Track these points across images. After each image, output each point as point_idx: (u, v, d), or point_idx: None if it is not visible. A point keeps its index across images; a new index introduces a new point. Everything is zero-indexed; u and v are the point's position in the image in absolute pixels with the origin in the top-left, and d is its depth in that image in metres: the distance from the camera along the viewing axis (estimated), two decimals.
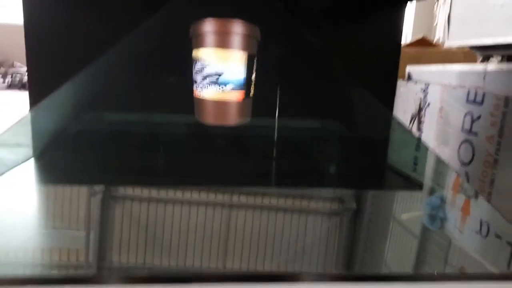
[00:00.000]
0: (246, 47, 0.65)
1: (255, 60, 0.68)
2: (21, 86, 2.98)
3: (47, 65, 0.76)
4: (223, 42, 0.64)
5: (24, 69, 3.01)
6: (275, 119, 0.80)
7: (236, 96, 0.67)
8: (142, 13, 0.68)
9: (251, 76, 0.67)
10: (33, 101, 0.75)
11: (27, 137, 0.72)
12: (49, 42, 0.76)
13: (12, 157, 0.68)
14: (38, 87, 0.75)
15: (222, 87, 0.65)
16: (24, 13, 0.74)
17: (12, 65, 3.39)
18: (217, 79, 0.65)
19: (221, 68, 0.65)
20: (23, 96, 0.76)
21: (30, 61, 0.77)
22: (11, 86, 3.05)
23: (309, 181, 0.70)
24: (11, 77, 3.17)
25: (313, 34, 0.70)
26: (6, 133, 0.65)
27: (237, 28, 0.64)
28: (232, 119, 0.69)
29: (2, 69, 3.26)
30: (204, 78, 0.65)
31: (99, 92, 0.75)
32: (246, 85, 0.66)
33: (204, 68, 0.65)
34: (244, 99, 0.67)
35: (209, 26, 0.64)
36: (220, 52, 0.65)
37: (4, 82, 3.08)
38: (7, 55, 3.44)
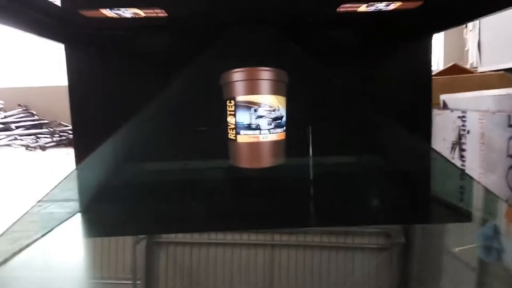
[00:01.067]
0: (276, 91, 0.68)
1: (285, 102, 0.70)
2: (68, 143, 3.15)
3: (89, 122, 0.81)
4: (252, 88, 0.67)
5: (69, 127, 3.20)
6: (310, 158, 0.79)
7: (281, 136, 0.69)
8: (174, 68, 0.72)
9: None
10: (78, 156, 0.80)
11: (74, 192, 0.75)
12: (90, 101, 0.82)
13: (61, 211, 0.71)
14: (82, 143, 0.80)
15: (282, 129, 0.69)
16: (68, 76, 0.81)
17: (59, 124, 3.60)
18: (280, 122, 0.69)
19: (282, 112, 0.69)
20: (70, 152, 0.80)
21: (74, 120, 0.82)
22: (59, 144, 3.22)
23: (352, 218, 0.68)
24: (59, 135, 3.36)
25: (343, 71, 0.72)
26: (55, 189, 0.68)
27: (263, 75, 0.67)
28: (265, 161, 0.69)
29: (50, 129, 3.47)
30: (235, 123, 0.68)
31: (139, 145, 0.78)
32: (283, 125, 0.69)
33: (233, 115, 0.68)
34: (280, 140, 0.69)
35: (231, 76, 0.68)
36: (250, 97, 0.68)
37: (52, 140, 3.26)
38: (54, 115, 3.68)
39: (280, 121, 0.68)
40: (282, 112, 0.68)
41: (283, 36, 0.73)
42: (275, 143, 0.68)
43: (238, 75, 0.67)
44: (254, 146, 0.68)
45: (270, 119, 0.67)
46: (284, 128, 0.69)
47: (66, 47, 0.80)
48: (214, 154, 0.76)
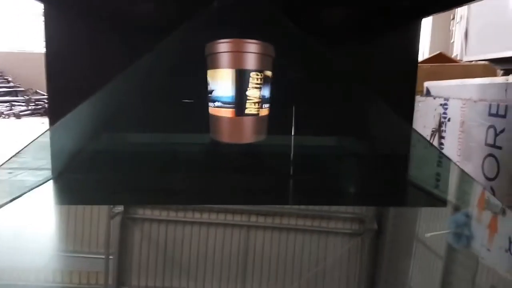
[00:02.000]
0: (258, 65, 0.66)
1: (270, 78, 0.68)
2: (44, 112, 3.07)
3: (66, 90, 0.78)
4: (235, 61, 0.65)
5: (46, 96, 3.10)
6: (292, 137, 0.79)
7: (226, 112, 0.67)
8: (157, 36, 0.69)
9: (243, 92, 0.66)
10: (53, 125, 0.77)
11: (48, 161, 0.73)
12: (68, 67, 0.79)
13: (33, 179, 0.69)
14: (57, 112, 0.77)
15: (214, 104, 0.67)
16: (46, 40, 0.77)
17: (35, 92, 3.50)
18: (211, 96, 0.67)
19: (213, 86, 0.67)
20: (46, 122, 0.78)
21: (50, 86, 0.79)
22: (34, 113, 3.14)
23: (328, 199, 0.68)
24: (34, 104, 3.27)
25: (329, 52, 0.70)
26: (27, 157, 0.66)
27: (248, 47, 0.65)
28: (247, 137, 0.69)
29: (26, 97, 3.37)
30: (210, 96, 0.67)
31: (117, 114, 0.76)
32: (236, 101, 0.66)
33: (209, 87, 0.67)
34: (237, 116, 0.67)
35: (213, 47, 0.66)
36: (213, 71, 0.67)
37: (27, 108, 3.18)
38: (30, 82, 3.57)
39: (210, 95, 0.67)
40: (213, 86, 0.67)
41: (271, 11, 0.71)
42: (212, 117, 0.68)
43: (269, 48, 0.67)
44: (265, 119, 0.69)
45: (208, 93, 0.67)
46: (215, 103, 0.68)
47: (45, 8, 0.76)
48: (196, 127, 0.75)
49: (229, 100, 0.66)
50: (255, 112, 0.67)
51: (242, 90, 0.65)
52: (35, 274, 0.49)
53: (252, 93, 0.66)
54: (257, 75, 0.65)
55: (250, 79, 0.65)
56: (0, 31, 3.96)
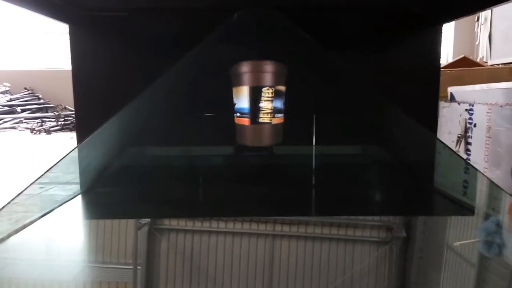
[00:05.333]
0: (274, 82, 0.74)
1: (283, 92, 0.74)
2: (73, 127, 3.15)
3: (93, 106, 0.81)
4: (255, 79, 0.74)
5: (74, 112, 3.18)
6: (313, 147, 0.79)
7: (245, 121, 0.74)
8: (180, 52, 0.71)
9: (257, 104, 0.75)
10: (81, 140, 0.80)
11: (77, 175, 0.76)
12: (94, 84, 0.81)
13: (63, 194, 0.72)
14: (85, 127, 0.79)
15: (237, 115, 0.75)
16: (72, 58, 0.80)
17: (65, 108, 3.61)
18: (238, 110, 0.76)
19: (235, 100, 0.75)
20: (75, 137, 0.81)
21: (77, 103, 0.82)
22: (63, 128, 3.23)
23: (354, 208, 0.68)
24: (64, 119, 3.37)
25: (349, 60, 0.70)
26: (57, 172, 0.68)
27: (266, 67, 0.74)
28: (263, 141, 0.76)
29: (55, 113, 3.48)
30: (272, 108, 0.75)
31: (141, 129, 0.78)
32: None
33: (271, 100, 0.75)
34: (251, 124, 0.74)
35: (235, 68, 0.74)
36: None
37: (57, 124, 3.27)
38: (59, 99, 3.68)
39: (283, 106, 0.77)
40: (235, 100, 0.77)
41: (290, 22, 0.72)
42: (280, 124, 0.77)
43: (279, 66, 0.75)
44: (279, 126, 0.76)
45: (283, 104, 0.76)
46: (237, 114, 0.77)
47: (70, 28, 0.80)
48: (218, 140, 0.77)
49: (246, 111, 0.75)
50: (268, 121, 0.76)
51: (256, 102, 0.75)
52: (67, 285, 0.50)
53: (265, 105, 0.75)
54: (268, 90, 0.75)
55: (262, 94, 0.75)
56: (29, 50, 4.13)
